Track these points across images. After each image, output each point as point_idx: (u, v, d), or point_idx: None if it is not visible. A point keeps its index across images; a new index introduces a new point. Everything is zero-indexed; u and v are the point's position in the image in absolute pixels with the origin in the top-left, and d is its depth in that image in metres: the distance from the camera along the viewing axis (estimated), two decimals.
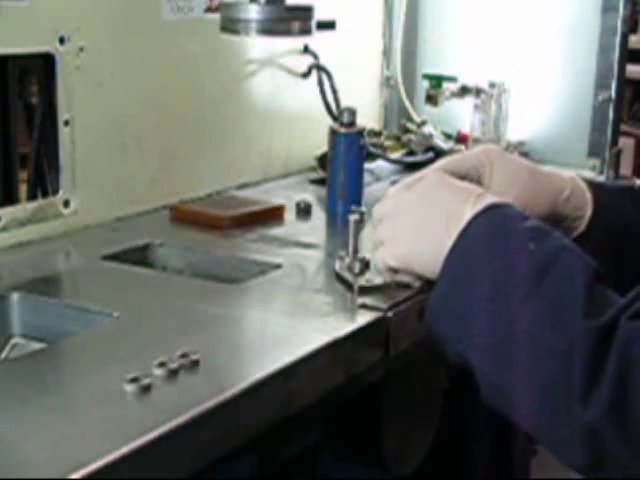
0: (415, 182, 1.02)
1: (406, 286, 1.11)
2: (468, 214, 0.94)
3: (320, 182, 1.70)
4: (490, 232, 0.92)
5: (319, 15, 1.50)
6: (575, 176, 1.13)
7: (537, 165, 1.14)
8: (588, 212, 1.10)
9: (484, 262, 0.90)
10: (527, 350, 0.84)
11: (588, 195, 1.11)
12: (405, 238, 1.00)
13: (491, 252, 0.90)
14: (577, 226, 1.10)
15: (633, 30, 2.46)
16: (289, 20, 1.44)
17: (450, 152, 1.95)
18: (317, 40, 1.71)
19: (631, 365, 0.77)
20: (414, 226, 0.99)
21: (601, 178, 1.92)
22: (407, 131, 2.00)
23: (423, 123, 2.01)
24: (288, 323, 1.07)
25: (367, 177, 1.61)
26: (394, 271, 1.05)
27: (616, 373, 0.77)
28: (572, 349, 0.80)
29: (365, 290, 1.14)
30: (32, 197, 1.39)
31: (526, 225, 0.91)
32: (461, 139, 1.98)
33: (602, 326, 0.79)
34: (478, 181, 1.07)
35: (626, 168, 2.14)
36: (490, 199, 0.95)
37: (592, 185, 1.12)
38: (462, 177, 1.05)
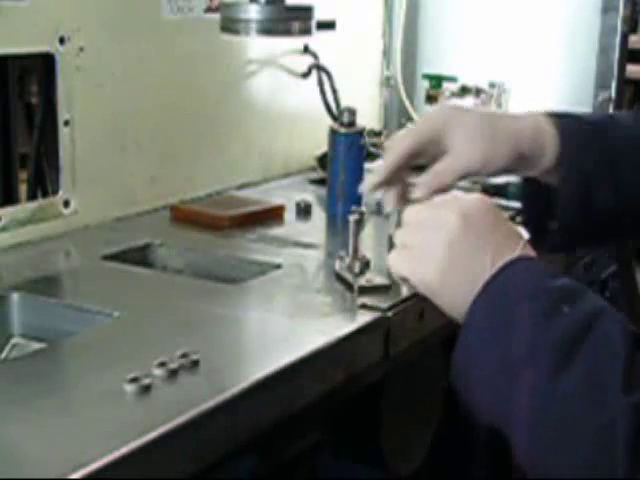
0: (457, 201, 0.90)
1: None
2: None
3: (320, 182, 1.70)
4: (518, 289, 0.83)
5: (319, 15, 1.50)
6: (538, 115, 1.08)
7: (496, 112, 1.09)
8: (552, 149, 1.06)
9: (513, 323, 0.81)
10: (565, 424, 0.78)
11: (551, 131, 1.06)
12: (437, 264, 0.86)
13: (520, 312, 0.82)
14: (542, 162, 1.07)
15: (633, 30, 2.45)
16: (289, 20, 1.44)
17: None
18: (317, 40, 1.71)
19: None
20: (452, 254, 0.85)
21: None
22: None
23: None
24: (288, 323, 1.07)
25: None
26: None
27: None
28: (613, 426, 0.76)
29: (365, 290, 1.14)
30: (32, 197, 1.39)
31: (558, 284, 0.83)
32: None
33: None
34: (442, 149, 1.02)
35: None
36: (523, 251, 0.86)
37: (560, 120, 1.08)
38: (425, 151, 1.01)
